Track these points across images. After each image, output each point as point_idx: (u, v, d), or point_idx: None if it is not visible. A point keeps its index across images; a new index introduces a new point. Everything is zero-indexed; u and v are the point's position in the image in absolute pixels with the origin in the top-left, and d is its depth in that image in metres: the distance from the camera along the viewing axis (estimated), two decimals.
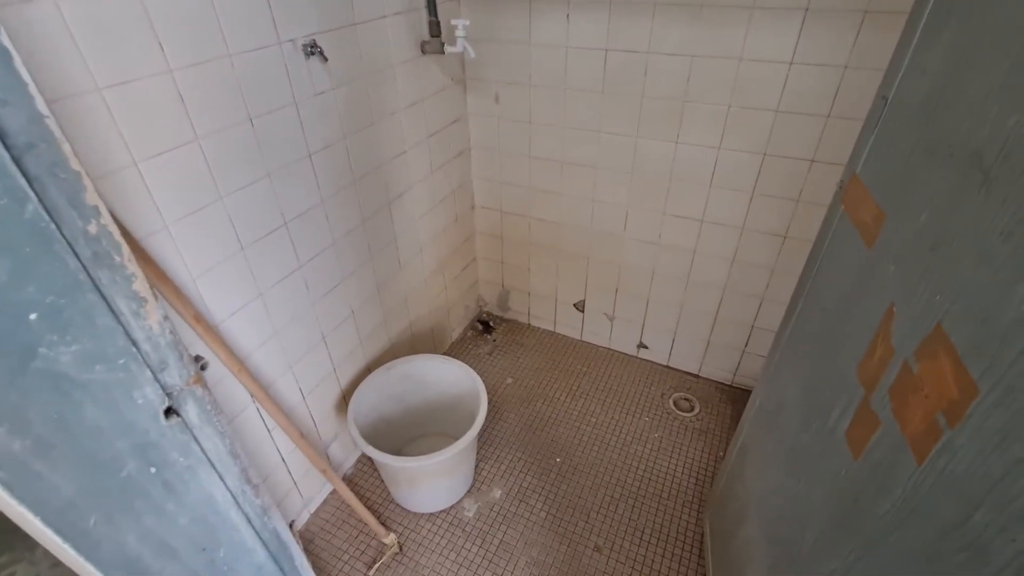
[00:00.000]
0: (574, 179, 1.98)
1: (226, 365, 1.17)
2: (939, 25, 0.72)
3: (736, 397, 2.13)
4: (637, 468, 1.86)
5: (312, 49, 1.27)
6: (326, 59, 1.31)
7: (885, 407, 0.71)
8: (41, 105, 0.40)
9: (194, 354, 1.13)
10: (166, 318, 0.53)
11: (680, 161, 1.76)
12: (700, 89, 1.61)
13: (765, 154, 1.63)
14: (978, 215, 0.58)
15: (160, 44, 0.97)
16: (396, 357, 1.89)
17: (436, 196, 1.99)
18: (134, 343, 0.50)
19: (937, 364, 0.61)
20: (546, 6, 1.68)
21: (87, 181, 0.44)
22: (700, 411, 2.08)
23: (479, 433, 1.57)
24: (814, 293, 1.04)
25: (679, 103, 1.66)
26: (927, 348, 0.64)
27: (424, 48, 1.67)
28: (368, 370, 1.82)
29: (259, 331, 1.36)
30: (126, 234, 0.97)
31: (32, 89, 0.39)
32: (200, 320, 1.08)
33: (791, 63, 1.46)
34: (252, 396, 1.28)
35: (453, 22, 1.60)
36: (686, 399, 2.14)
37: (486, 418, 1.58)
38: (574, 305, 2.34)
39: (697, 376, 2.24)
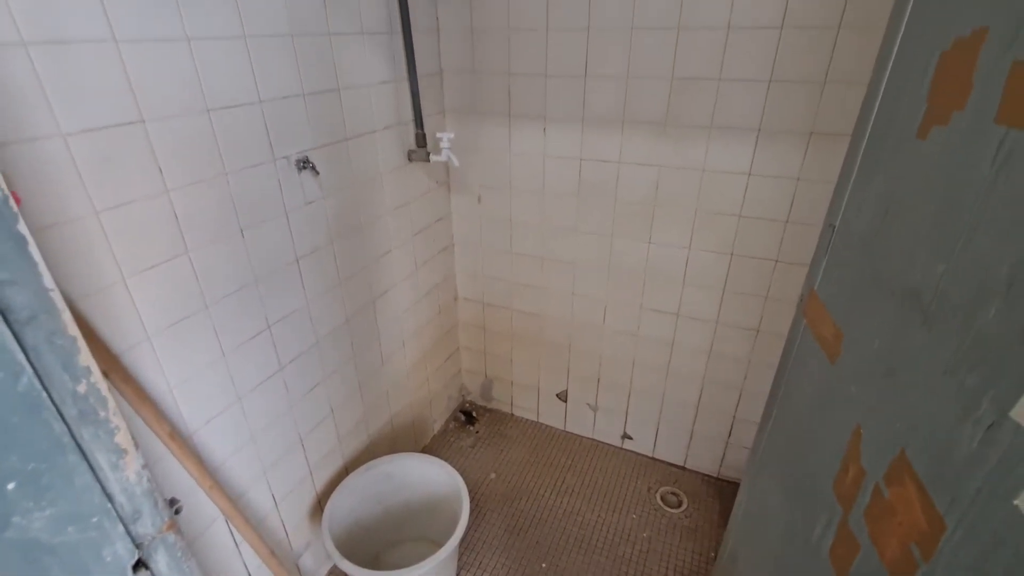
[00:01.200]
0: (554, 274, 2.06)
1: (199, 483, 1.12)
2: (871, 170, 0.81)
3: (723, 491, 2.09)
4: (626, 574, 1.78)
5: (305, 164, 1.35)
6: (317, 173, 1.39)
7: (863, 530, 0.72)
8: (48, 280, 0.43)
9: (170, 496, 1.10)
10: (144, 466, 0.53)
11: (654, 259, 1.85)
12: (668, 195, 1.73)
13: (732, 254, 1.73)
14: (923, 349, 0.63)
15: (160, 168, 1.03)
16: (376, 455, 1.83)
17: (420, 291, 2.03)
18: (110, 498, 0.50)
19: (905, 492, 0.63)
20: (525, 121, 1.83)
21: (82, 343, 0.46)
22: (688, 507, 2.03)
23: (461, 539, 1.50)
24: (787, 402, 1.07)
25: (650, 207, 1.77)
26: (894, 474, 0.66)
27: (411, 157, 1.78)
28: (346, 470, 1.76)
29: (235, 437, 1.32)
30: (106, 352, 0.97)
31: (41, 267, 0.42)
32: (175, 437, 1.06)
33: (749, 174, 1.60)
34: (222, 512, 1.22)
35: (438, 135, 1.72)
36: (673, 493, 2.09)
37: (468, 520, 1.52)
38: (557, 395, 2.34)
39: (683, 468, 2.20)
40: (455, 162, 1.76)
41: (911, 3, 0.72)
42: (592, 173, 1.81)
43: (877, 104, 0.78)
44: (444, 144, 1.72)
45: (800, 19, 1.37)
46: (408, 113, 1.74)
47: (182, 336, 1.14)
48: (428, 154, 1.76)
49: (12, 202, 0.39)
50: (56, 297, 0.43)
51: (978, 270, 0.54)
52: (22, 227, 0.40)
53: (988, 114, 0.55)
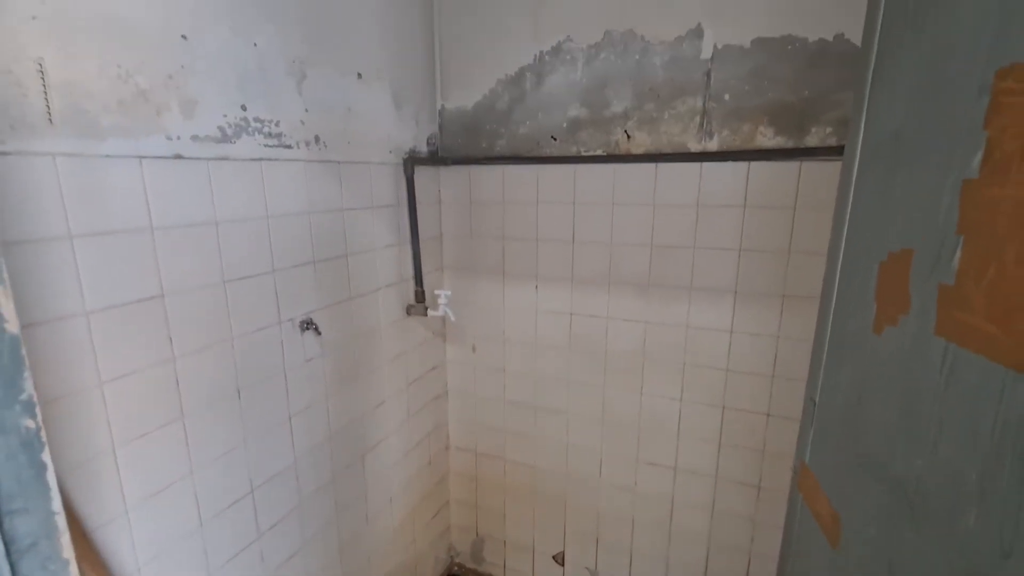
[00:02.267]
0: (547, 424, 2.04)
1: None
2: (839, 355, 0.88)
3: None
4: None
5: (308, 325, 1.41)
6: (319, 333, 1.45)
7: None
8: (56, 503, 0.44)
9: None
10: None
11: (647, 410, 1.86)
12: (656, 348, 1.79)
13: (724, 407, 1.74)
14: (916, 552, 0.62)
15: (171, 337, 1.08)
16: None
17: (411, 440, 1.99)
18: None
19: None
20: (518, 279, 1.96)
21: (73, 567, 0.45)
22: None
23: None
24: None
25: (639, 359, 1.83)
26: None
27: (409, 311, 1.87)
28: None
29: None
30: (81, 535, 0.93)
31: (54, 491, 0.44)
32: None
33: (731, 331, 1.68)
34: None
35: (436, 292, 1.83)
36: None
37: None
38: (553, 558, 2.16)
39: None
40: (452, 317, 1.84)
41: (848, 214, 0.84)
42: (582, 327, 1.89)
43: (834, 297, 0.87)
44: (442, 301, 1.82)
45: (760, 200, 1.56)
46: (409, 271, 1.86)
47: (162, 506, 1.09)
48: (426, 309, 1.85)
49: (43, 433, 0.42)
50: (60, 520, 0.44)
51: (952, 471, 0.57)
52: (46, 455, 0.43)
53: (928, 324, 0.62)
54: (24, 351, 0.40)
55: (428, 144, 1.91)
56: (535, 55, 1.75)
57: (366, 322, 1.67)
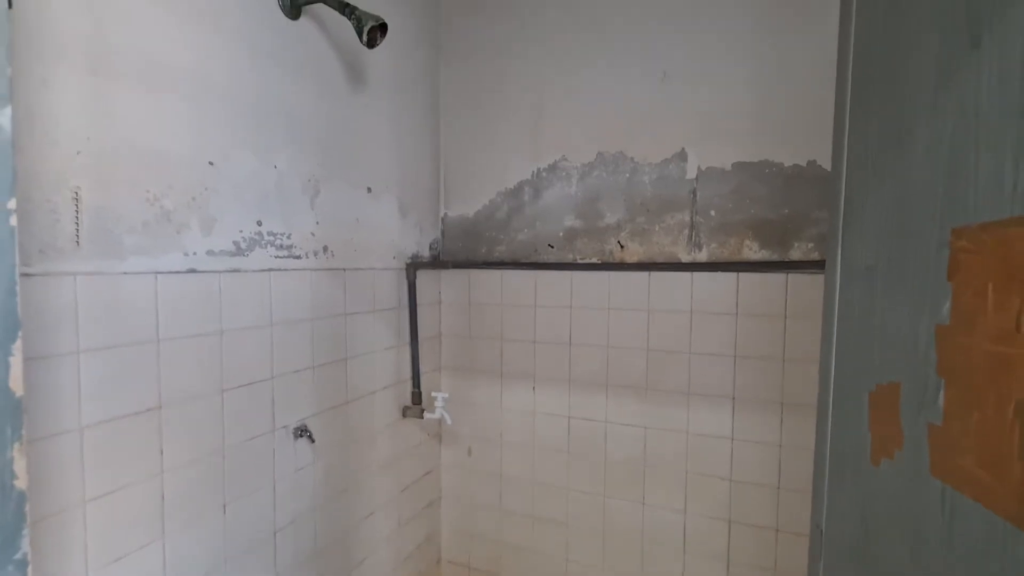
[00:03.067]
0: (546, 536, 1.93)
1: None
2: (840, 480, 0.86)
3: None
4: None
5: (302, 432, 1.39)
6: (313, 440, 1.42)
7: None
8: None
9: None
10: None
11: (649, 523, 1.77)
12: (657, 455, 1.75)
13: (731, 520, 1.67)
14: None
15: (162, 450, 1.06)
16: None
17: (401, 553, 1.87)
18: None
19: None
20: (516, 380, 1.95)
21: None
22: None
23: None
24: None
25: (640, 466, 1.77)
26: None
27: (405, 413, 1.85)
28: None
29: None
30: None
31: None
32: None
33: (732, 439, 1.65)
34: None
35: (433, 394, 1.82)
36: None
37: None
38: None
39: None
40: (448, 420, 1.82)
41: (834, 340, 0.87)
42: (581, 430, 1.86)
43: (829, 423, 0.88)
44: (439, 403, 1.80)
45: (751, 308, 1.60)
46: (407, 372, 1.86)
47: None
48: (423, 411, 1.83)
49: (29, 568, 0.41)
50: None
51: None
52: None
53: (923, 463, 0.62)
54: (28, 507, 0.41)
55: (431, 248, 2.00)
56: (533, 171, 1.88)
57: (361, 426, 1.64)
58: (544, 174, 1.87)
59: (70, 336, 0.90)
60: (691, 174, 1.67)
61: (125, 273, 0.98)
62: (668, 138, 1.68)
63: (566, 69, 1.80)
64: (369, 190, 1.65)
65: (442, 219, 2.05)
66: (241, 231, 1.22)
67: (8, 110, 0.36)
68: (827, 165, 1.50)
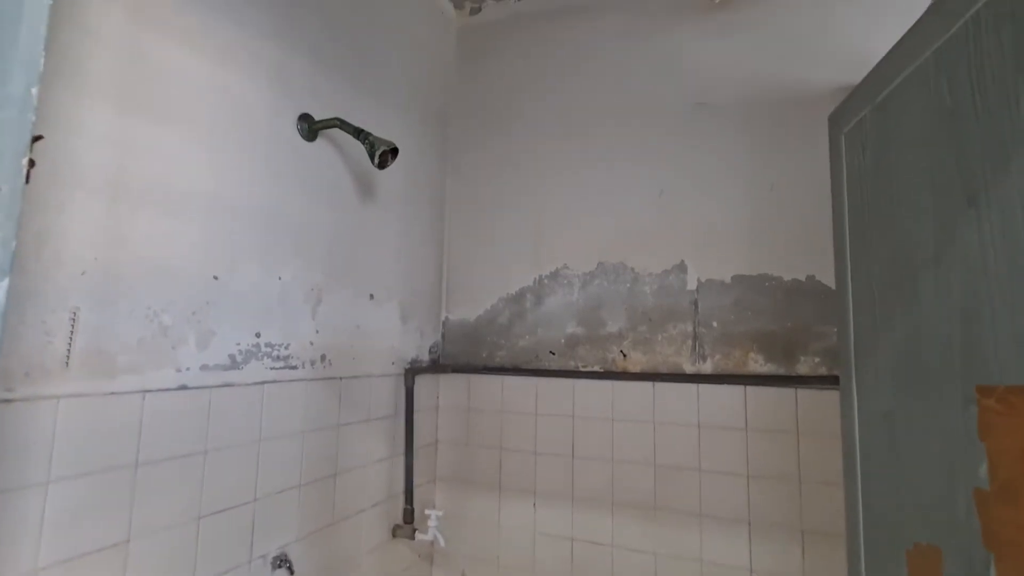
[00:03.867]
0: None
1: None
2: None
3: None
4: None
5: (281, 562, 1.27)
6: (292, 572, 1.29)
7: None
8: None
9: None
10: None
11: None
12: None
13: None
14: None
15: None
16: None
17: None
18: None
19: None
20: (515, 495, 1.83)
21: None
22: None
23: None
24: None
25: None
26: None
27: (395, 532, 1.71)
28: None
29: None
30: None
31: None
32: None
33: (751, 571, 1.51)
34: None
35: (427, 511, 1.70)
36: None
37: None
38: None
39: None
40: (441, 542, 1.68)
41: (859, 485, 0.81)
42: (585, 554, 1.71)
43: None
44: (432, 522, 1.68)
45: (761, 424, 1.54)
46: (399, 486, 1.75)
47: None
48: (414, 531, 1.69)
49: None
50: None
51: None
52: None
53: None
54: None
55: (430, 352, 1.97)
56: (535, 278, 1.91)
57: (346, 549, 1.51)
58: (546, 281, 1.89)
59: (41, 466, 0.84)
60: (691, 285, 1.68)
61: (112, 393, 0.95)
62: (667, 250, 1.72)
63: (566, 182, 1.88)
64: (372, 297, 1.65)
65: (443, 323, 2.04)
66: (238, 343, 1.20)
67: (6, 282, 0.35)
68: (826, 280, 1.52)
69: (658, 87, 1.80)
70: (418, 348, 1.90)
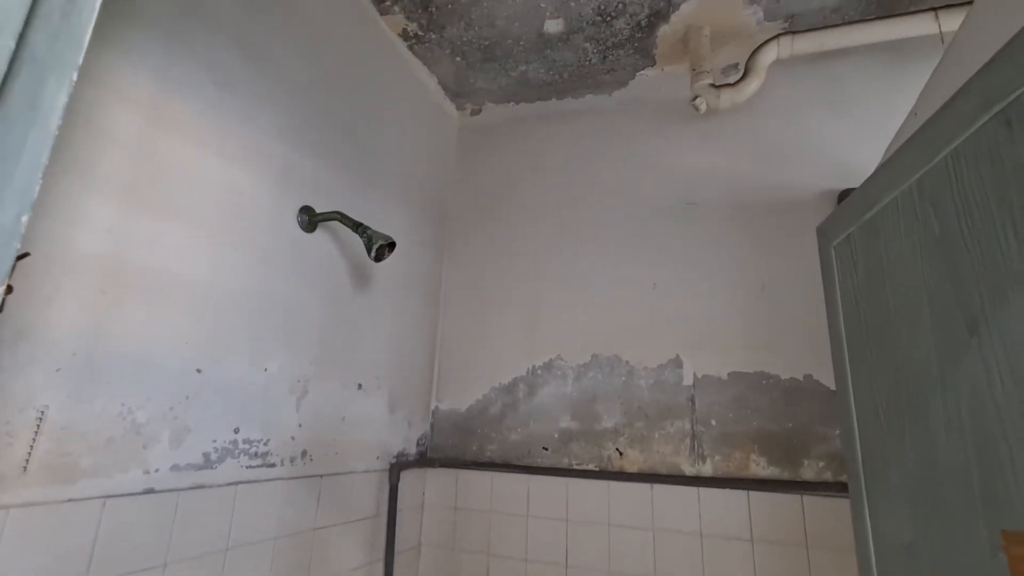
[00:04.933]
0: None
1: None
2: None
3: None
4: None
5: None
6: None
7: None
8: None
9: None
10: None
11: None
12: None
13: None
14: None
15: None
16: None
17: None
18: None
19: None
20: None
21: None
22: None
23: None
24: None
25: None
26: None
27: None
28: None
29: None
30: None
31: None
32: None
33: None
34: None
35: None
36: None
37: None
38: None
39: None
40: None
41: None
42: None
43: None
44: None
45: (767, 534, 1.45)
46: None
47: None
48: None
49: None
50: None
51: None
52: None
53: None
54: None
55: (417, 444, 1.88)
56: (528, 368, 1.87)
57: None
58: (539, 371, 1.85)
59: None
60: (687, 380, 1.65)
61: (70, 500, 0.87)
62: (662, 344, 1.70)
63: (561, 273, 1.90)
64: (360, 386, 1.60)
65: (432, 412, 1.97)
66: (215, 441, 1.13)
67: None
68: (824, 380, 1.50)
69: (649, 185, 1.87)
70: (405, 440, 1.81)
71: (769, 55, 1.74)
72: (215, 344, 1.14)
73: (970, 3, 1.58)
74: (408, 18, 1.79)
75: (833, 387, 1.47)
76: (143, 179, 1.01)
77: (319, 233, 1.45)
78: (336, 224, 1.46)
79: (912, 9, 1.65)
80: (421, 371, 1.93)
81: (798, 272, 1.57)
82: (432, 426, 1.96)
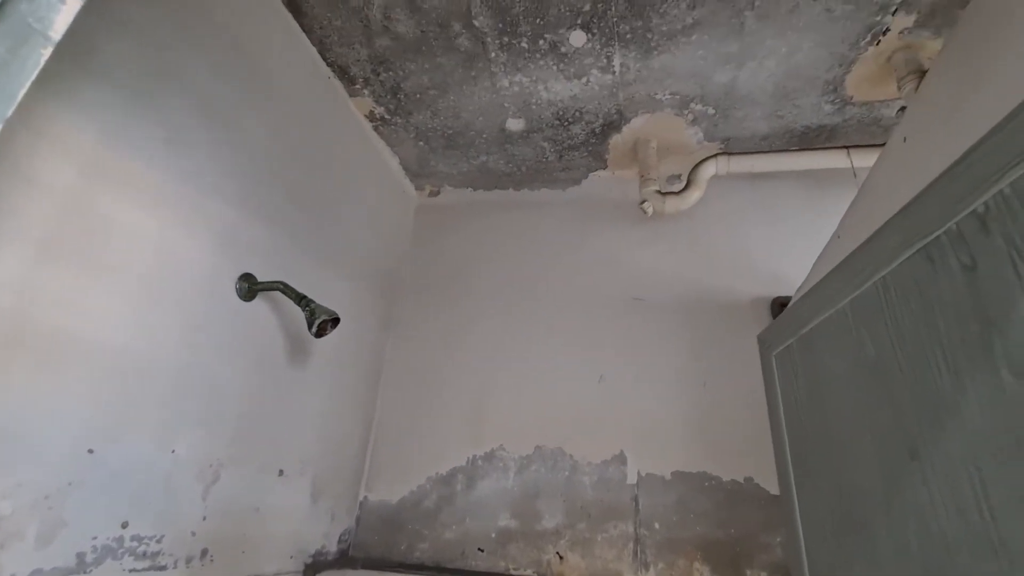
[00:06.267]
0: None
1: None
2: None
3: None
4: None
5: None
6: None
7: None
8: None
9: None
10: None
11: None
12: None
13: None
14: None
15: None
16: None
17: None
18: None
19: None
20: None
21: None
22: None
23: None
24: None
25: None
26: None
27: None
28: None
29: None
30: None
31: None
32: None
33: None
34: None
35: None
36: None
37: None
38: None
39: None
40: None
41: None
42: None
43: None
44: None
45: None
46: None
47: None
48: None
49: None
50: None
51: None
52: None
53: None
54: None
55: (340, 541, 1.69)
56: (468, 458, 1.77)
57: None
58: (480, 462, 1.75)
59: None
60: (631, 479, 1.61)
61: None
62: (607, 439, 1.67)
63: (508, 361, 1.87)
64: (281, 472, 1.45)
65: (360, 504, 1.80)
66: (95, 538, 0.96)
67: None
68: (764, 484, 1.50)
69: (598, 279, 1.93)
70: (326, 535, 1.63)
71: (709, 170, 1.91)
72: (116, 419, 1.01)
73: (881, 146, 1.82)
74: (376, 102, 1.85)
75: (774, 492, 1.47)
76: (68, 232, 0.93)
77: (259, 302, 1.36)
78: (278, 294, 1.39)
79: (827, 146, 1.88)
80: (352, 456, 1.79)
81: (737, 372, 1.62)
82: (358, 520, 1.78)
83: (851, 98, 1.69)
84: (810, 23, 1.45)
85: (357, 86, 1.78)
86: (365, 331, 1.89)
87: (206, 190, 1.22)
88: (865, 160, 1.78)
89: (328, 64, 1.70)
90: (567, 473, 1.66)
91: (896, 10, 1.38)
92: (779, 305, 1.68)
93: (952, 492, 0.50)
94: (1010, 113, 0.45)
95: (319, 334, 1.26)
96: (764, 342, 0.95)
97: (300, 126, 1.57)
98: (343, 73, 1.73)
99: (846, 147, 1.81)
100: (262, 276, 1.36)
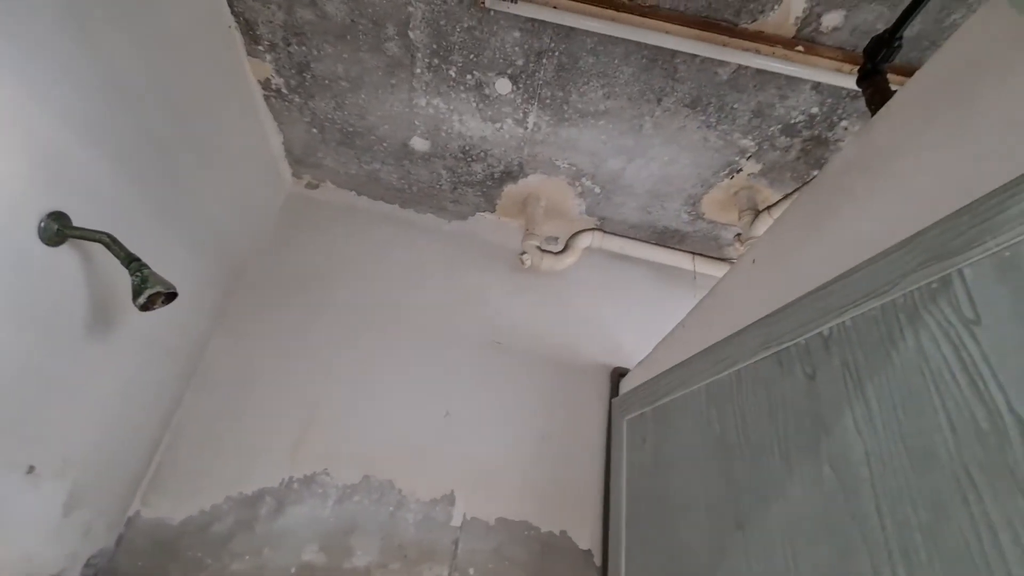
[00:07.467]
0: None
1: None
2: None
3: None
4: None
5: None
6: None
7: None
8: None
9: None
10: None
11: None
12: None
13: None
14: None
15: None
16: None
17: None
18: None
19: None
20: None
21: None
22: None
23: None
24: None
25: None
26: None
27: None
28: None
29: None
30: None
31: None
32: None
33: None
34: None
35: None
36: None
37: None
38: None
39: None
40: None
41: None
42: None
43: None
44: None
45: None
46: None
47: None
48: None
49: None
50: None
51: None
52: None
53: None
54: None
55: (87, 566, 1.35)
56: (283, 479, 1.58)
57: None
58: (296, 485, 1.58)
59: None
60: (456, 521, 1.58)
61: None
62: (440, 476, 1.64)
63: (352, 379, 1.75)
64: (31, 469, 1.13)
65: (128, 520, 1.47)
66: None
67: None
68: (575, 538, 1.60)
69: (463, 316, 1.94)
70: (70, 557, 1.29)
71: (585, 240, 2.09)
72: None
73: (717, 259, 2.18)
74: (278, 72, 1.68)
75: (584, 546, 1.57)
76: None
77: (66, 250, 1.09)
78: (99, 249, 1.12)
79: (678, 248, 2.21)
80: (133, 459, 1.47)
81: (574, 430, 1.73)
82: (120, 539, 1.45)
83: (703, 214, 2.01)
84: (690, 144, 1.72)
85: (260, 47, 1.61)
86: (192, 315, 1.62)
87: (38, 96, 0.97)
88: (703, 267, 2.12)
89: (233, 13, 1.51)
90: (392, 508, 1.58)
91: (750, 157, 1.71)
92: (617, 375, 1.86)
93: (767, 564, 0.60)
94: (856, 266, 0.59)
95: (144, 307, 1.04)
96: (619, 406, 1.05)
97: (180, 66, 1.35)
98: (248, 28, 1.55)
99: (692, 253, 2.14)
100: (82, 221, 1.10)
